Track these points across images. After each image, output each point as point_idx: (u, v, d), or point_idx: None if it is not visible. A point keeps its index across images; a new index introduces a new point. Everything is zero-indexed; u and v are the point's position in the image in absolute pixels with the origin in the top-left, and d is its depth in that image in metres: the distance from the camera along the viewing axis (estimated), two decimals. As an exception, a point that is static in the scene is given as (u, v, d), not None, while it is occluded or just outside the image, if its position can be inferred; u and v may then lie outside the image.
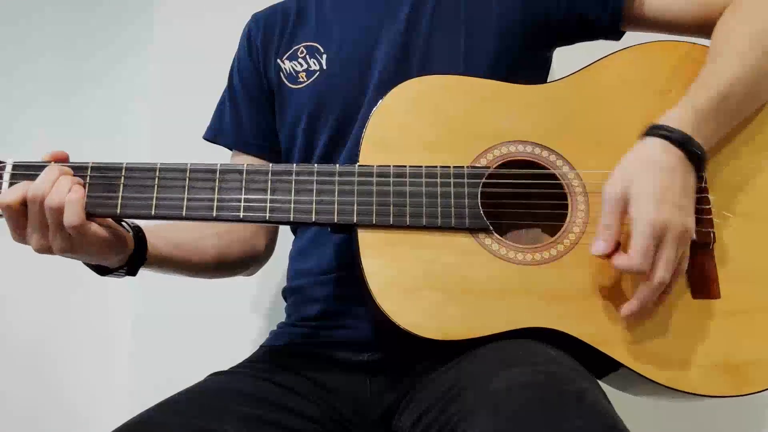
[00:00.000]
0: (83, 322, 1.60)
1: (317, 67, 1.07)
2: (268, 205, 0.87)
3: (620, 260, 0.81)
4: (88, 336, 1.59)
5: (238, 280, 1.21)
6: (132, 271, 0.96)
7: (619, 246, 0.82)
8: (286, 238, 1.18)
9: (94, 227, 0.85)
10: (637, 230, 0.80)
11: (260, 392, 0.93)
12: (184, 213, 0.87)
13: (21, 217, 0.84)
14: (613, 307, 0.85)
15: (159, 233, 0.99)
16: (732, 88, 0.88)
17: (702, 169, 0.85)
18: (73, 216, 0.82)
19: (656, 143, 0.84)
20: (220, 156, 1.07)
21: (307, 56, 1.09)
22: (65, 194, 0.83)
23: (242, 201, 0.87)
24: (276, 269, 1.25)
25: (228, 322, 1.49)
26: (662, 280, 0.81)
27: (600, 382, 0.84)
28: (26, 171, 0.86)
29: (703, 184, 0.89)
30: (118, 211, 0.86)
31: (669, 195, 0.81)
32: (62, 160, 0.88)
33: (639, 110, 0.91)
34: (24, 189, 0.83)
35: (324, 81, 1.06)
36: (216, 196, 0.87)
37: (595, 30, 1.04)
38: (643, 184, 0.81)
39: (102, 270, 0.94)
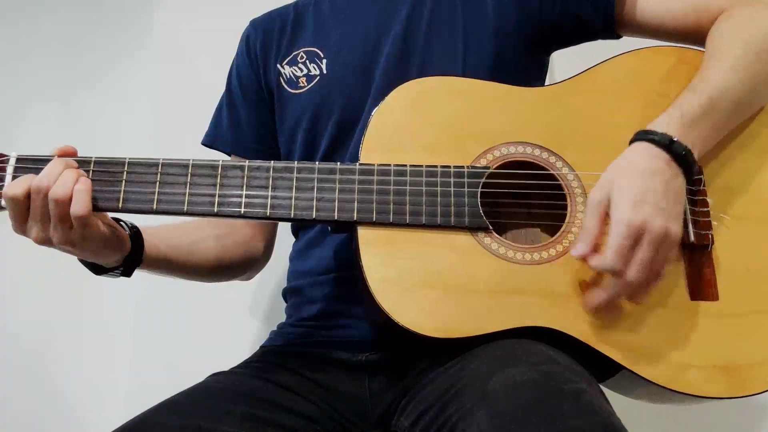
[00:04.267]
0: (83, 323, 1.60)
1: (317, 72, 1.08)
2: (269, 201, 0.88)
3: (595, 260, 0.82)
4: (88, 336, 1.59)
5: (239, 281, 1.21)
6: (127, 272, 0.96)
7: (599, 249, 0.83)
8: (285, 239, 1.18)
9: (96, 222, 0.86)
10: (613, 231, 0.80)
11: (260, 392, 0.93)
12: (185, 208, 0.87)
13: (24, 209, 0.84)
14: (612, 307, 0.85)
15: (157, 235, 1.00)
16: (722, 93, 0.88)
17: (692, 171, 0.84)
18: (80, 205, 0.83)
19: (640, 147, 0.85)
20: (220, 157, 1.08)
21: (307, 61, 1.09)
22: (70, 186, 0.83)
23: (243, 197, 0.88)
24: (275, 270, 1.26)
25: (228, 323, 1.49)
26: (633, 280, 0.80)
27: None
28: (30, 164, 0.87)
29: (701, 187, 0.90)
30: (120, 205, 0.87)
31: (649, 197, 0.81)
32: (69, 155, 0.89)
33: (637, 113, 0.92)
34: (29, 181, 0.84)
35: (324, 85, 1.07)
36: (217, 192, 0.88)
37: (591, 31, 1.05)
38: (624, 187, 0.82)
39: (97, 269, 0.94)
